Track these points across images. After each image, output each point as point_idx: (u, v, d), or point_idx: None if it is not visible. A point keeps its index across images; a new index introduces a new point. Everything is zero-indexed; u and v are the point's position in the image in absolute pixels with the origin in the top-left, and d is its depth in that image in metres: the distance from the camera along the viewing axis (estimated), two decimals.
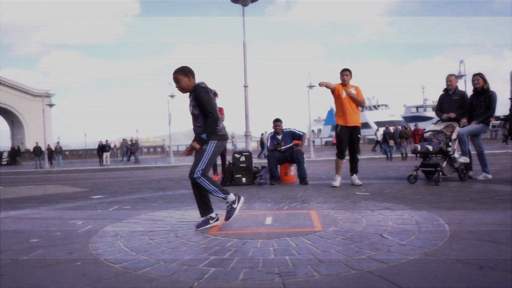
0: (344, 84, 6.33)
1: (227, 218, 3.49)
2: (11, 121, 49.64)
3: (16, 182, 11.95)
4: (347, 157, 6.49)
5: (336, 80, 6.42)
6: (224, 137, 3.60)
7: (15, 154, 31.90)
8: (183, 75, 3.55)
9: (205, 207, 3.59)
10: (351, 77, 6.36)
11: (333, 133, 23.76)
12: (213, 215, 3.58)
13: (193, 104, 3.50)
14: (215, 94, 8.31)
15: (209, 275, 2.27)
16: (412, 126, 22.46)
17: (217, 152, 3.52)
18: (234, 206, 3.47)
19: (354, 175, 6.37)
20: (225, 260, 2.57)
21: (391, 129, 18.80)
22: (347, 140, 6.34)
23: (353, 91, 6.28)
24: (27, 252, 2.92)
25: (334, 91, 6.31)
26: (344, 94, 6.26)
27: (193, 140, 3.48)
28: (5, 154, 31.99)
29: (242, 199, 3.55)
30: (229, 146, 29.60)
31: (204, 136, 3.42)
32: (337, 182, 6.29)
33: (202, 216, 3.60)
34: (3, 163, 30.92)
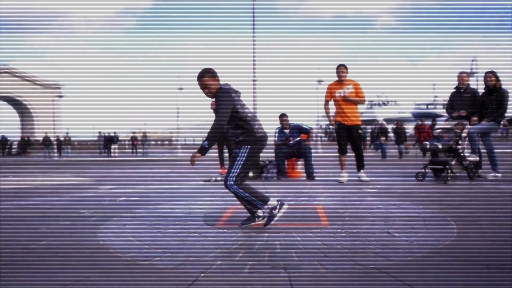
0: (340, 80, 6.23)
1: (266, 224, 3.22)
2: (21, 112, 50.11)
3: (25, 172, 12.10)
4: (351, 153, 6.47)
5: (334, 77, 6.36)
6: (260, 140, 3.26)
7: (25, 145, 32.28)
8: (211, 79, 3.19)
9: (251, 207, 3.31)
10: (347, 73, 6.23)
11: None
12: (259, 213, 3.30)
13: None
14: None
15: (215, 267, 2.29)
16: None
17: (252, 156, 3.23)
18: (275, 212, 3.20)
19: (361, 171, 6.35)
20: (231, 252, 2.58)
21: (383, 125, 17.98)
22: (345, 136, 6.31)
23: (351, 88, 6.18)
24: (37, 241, 2.96)
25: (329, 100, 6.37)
26: (337, 95, 6.22)
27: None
28: (15, 145, 32.41)
29: (285, 206, 3.27)
30: None
31: (205, 143, 3.08)
32: (344, 178, 6.27)
33: (251, 215, 3.36)
34: (13, 153, 31.33)
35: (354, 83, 6.23)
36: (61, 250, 2.73)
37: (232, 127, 3.25)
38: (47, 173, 11.52)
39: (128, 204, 4.66)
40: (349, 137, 6.28)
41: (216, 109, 3.14)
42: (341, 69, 6.21)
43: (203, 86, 3.21)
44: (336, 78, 6.29)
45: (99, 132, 31.35)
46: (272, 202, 3.22)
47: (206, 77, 3.18)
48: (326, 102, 6.44)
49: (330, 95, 6.34)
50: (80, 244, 2.87)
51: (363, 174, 6.32)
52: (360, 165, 6.37)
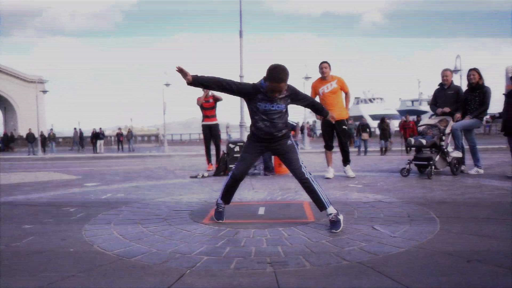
0: (323, 77, 6.24)
1: (336, 228, 2.93)
2: (4, 107, 49.06)
3: (8, 169, 11.88)
4: (336, 148, 6.52)
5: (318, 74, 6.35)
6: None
7: (8, 141, 31.66)
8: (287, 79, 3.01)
9: (229, 199, 3.43)
10: (330, 69, 6.26)
11: None
12: (330, 210, 3.05)
13: (286, 101, 3.13)
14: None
15: (201, 263, 2.29)
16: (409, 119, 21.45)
17: None
18: (339, 217, 2.99)
19: (347, 166, 6.39)
20: (218, 249, 2.59)
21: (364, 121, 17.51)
22: (330, 133, 6.38)
23: (334, 84, 6.18)
24: (20, 239, 2.92)
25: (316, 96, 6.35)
26: (321, 92, 6.23)
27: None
28: None
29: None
30: (223, 136, 29.56)
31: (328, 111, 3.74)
32: (330, 173, 6.32)
33: (225, 204, 3.41)
34: None
35: (337, 78, 6.24)
36: (45, 248, 2.70)
37: (282, 123, 3.16)
38: (31, 169, 11.33)
39: (113, 200, 4.62)
40: (335, 132, 6.32)
41: (306, 97, 3.37)
42: (324, 65, 6.23)
43: (278, 90, 2.97)
44: (319, 76, 6.32)
45: (74, 128, 30.97)
46: (332, 209, 3.04)
47: (286, 82, 2.96)
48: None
49: (314, 93, 6.38)
50: (65, 242, 2.84)
51: (349, 170, 6.37)
52: (345, 160, 6.42)
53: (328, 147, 6.44)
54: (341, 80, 6.25)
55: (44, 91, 32.79)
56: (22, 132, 37.27)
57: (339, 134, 6.31)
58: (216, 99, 7.99)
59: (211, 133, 8.08)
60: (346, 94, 6.33)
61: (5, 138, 31.87)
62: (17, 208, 4.33)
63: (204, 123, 8.10)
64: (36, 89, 32.18)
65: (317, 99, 6.43)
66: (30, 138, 24.95)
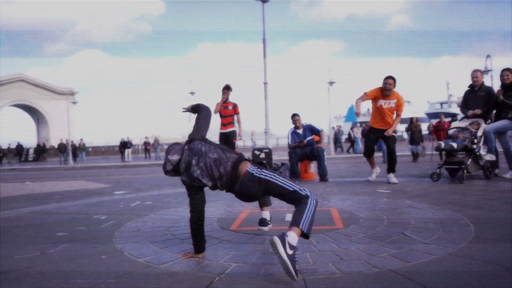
0: (385, 94, 6.05)
1: None
2: (37, 119, 50.99)
3: (41, 178, 12.30)
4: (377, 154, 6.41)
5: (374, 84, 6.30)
6: None
7: (41, 151, 32.83)
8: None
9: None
10: (394, 86, 6.08)
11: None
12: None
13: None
14: (229, 88, 7.87)
15: (230, 271, 2.29)
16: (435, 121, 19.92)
17: None
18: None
19: (391, 173, 6.22)
20: (246, 255, 2.58)
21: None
22: (374, 140, 6.33)
23: (392, 104, 6.05)
24: (54, 245, 3.00)
25: (367, 98, 6.19)
26: (379, 104, 6.10)
27: None
28: (31, 151, 32.98)
29: None
30: (248, 143, 29.64)
31: None
32: (374, 175, 6.41)
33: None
34: (29, 159, 31.89)
35: (398, 98, 6.08)
36: (77, 255, 2.76)
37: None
38: (63, 178, 11.69)
39: (142, 208, 4.70)
40: (382, 138, 6.26)
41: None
42: (390, 82, 6.02)
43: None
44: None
45: (60, 139, 31.53)
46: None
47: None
48: (365, 94, 6.18)
49: (370, 96, 6.17)
50: (96, 249, 2.90)
51: (392, 177, 6.18)
52: (390, 169, 6.24)
53: (367, 155, 6.39)
54: (400, 102, 6.11)
55: (74, 102, 33.91)
56: (54, 142, 38.57)
57: (387, 140, 6.20)
58: (236, 112, 7.75)
59: (227, 141, 7.80)
60: (398, 114, 6.19)
61: (38, 148, 33.04)
62: (51, 216, 4.47)
63: (221, 131, 7.85)
64: (67, 101, 33.32)
65: (370, 103, 6.30)
66: (61, 148, 25.76)
